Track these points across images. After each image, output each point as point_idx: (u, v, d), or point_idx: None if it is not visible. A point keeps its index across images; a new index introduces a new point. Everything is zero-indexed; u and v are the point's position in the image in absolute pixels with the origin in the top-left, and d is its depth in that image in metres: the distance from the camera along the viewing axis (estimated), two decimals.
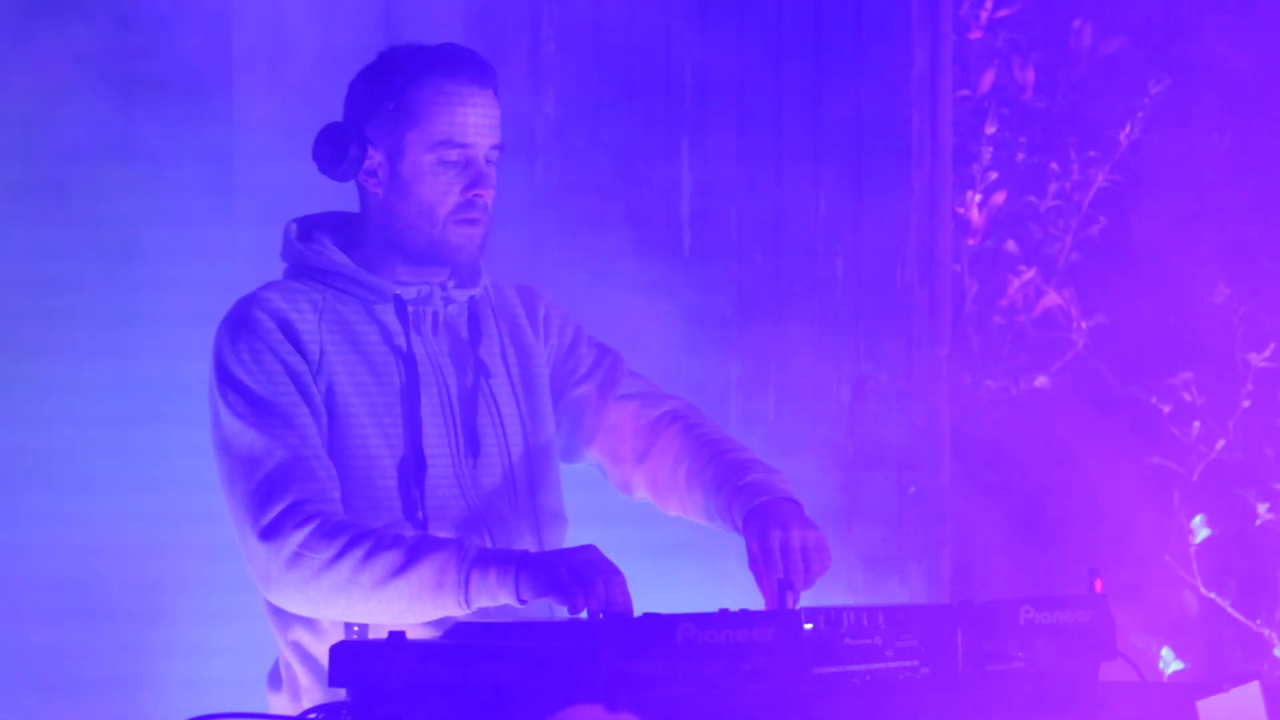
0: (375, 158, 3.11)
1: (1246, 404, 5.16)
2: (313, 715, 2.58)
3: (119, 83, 4.18)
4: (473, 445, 3.14)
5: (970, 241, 5.35)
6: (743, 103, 4.85)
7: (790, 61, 4.86)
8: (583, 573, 2.80)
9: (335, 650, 2.58)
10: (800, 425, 4.76)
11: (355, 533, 2.93)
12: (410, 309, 3.14)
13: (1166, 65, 5.38)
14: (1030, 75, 5.46)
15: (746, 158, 4.85)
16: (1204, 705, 2.75)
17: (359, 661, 2.56)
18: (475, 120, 3.10)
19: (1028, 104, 5.47)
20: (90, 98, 4.13)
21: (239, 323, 3.07)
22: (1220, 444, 5.15)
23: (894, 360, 4.88)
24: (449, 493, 3.11)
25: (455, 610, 2.91)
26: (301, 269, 3.16)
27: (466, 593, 2.88)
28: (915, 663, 2.68)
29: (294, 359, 3.04)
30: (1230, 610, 5.11)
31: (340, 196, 3.24)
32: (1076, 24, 5.46)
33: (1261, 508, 5.08)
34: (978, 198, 5.36)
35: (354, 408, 3.07)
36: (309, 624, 3.05)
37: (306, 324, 3.08)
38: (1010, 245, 5.39)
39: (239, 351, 3.04)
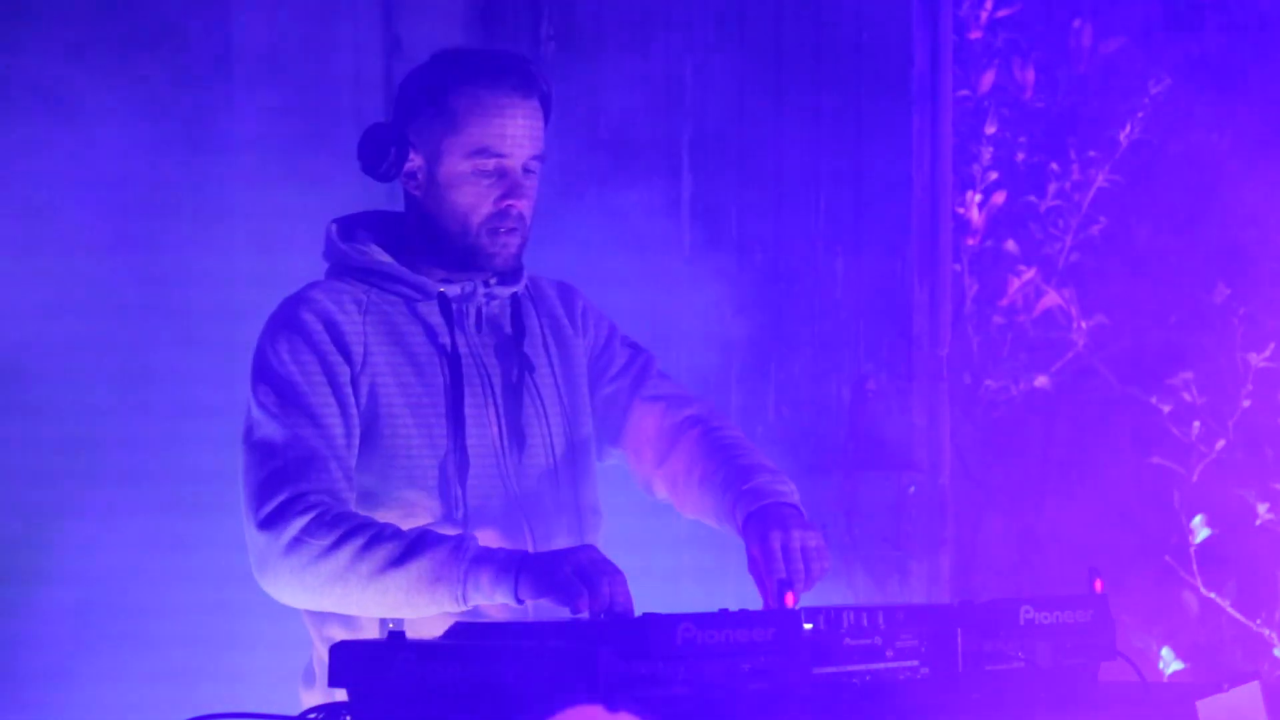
0: (415, 160, 3.13)
1: (1246, 404, 5.15)
2: (313, 715, 2.58)
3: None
4: (518, 439, 3.15)
5: (970, 241, 5.35)
6: (743, 102, 4.85)
7: (790, 61, 4.86)
8: (585, 572, 2.80)
9: (335, 650, 2.58)
10: (800, 425, 4.76)
11: (356, 522, 2.94)
12: (454, 306, 3.15)
13: (1166, 65, 5.38)
14: (1030, 75, 5.45)
15: (747, 157, 4.84)
16: (1204, 705, 2.75)
17: (359, 661, 2.56)
18: (514, 130, 3.11)
19: (1028, 104, 5.46)
20: None
21: (284, 322, 3.09)
22: (1220, 444, 5.15)
23: (894, 360, 4.88)
24: (491, 489, 3.11)
25: (451, 606, 2.91)
26: (344, 268, 3.18)
27: (464, 589, 2.88)
28: (915, 663, 2.68)
29: (335, 359, 3.06)
30: (1230, 610, 5.11)
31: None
32: (1076, 24, 5.46)
33: (1261, 508, 5.08)
34: (978, 198, 5.36)
35: (397, 407, 3.08)
36: (345, 621, 3.05)
37: (351, 324, 3.10)
38: (1010, 245, 5.39)
39: (279, 348, 3.06)
